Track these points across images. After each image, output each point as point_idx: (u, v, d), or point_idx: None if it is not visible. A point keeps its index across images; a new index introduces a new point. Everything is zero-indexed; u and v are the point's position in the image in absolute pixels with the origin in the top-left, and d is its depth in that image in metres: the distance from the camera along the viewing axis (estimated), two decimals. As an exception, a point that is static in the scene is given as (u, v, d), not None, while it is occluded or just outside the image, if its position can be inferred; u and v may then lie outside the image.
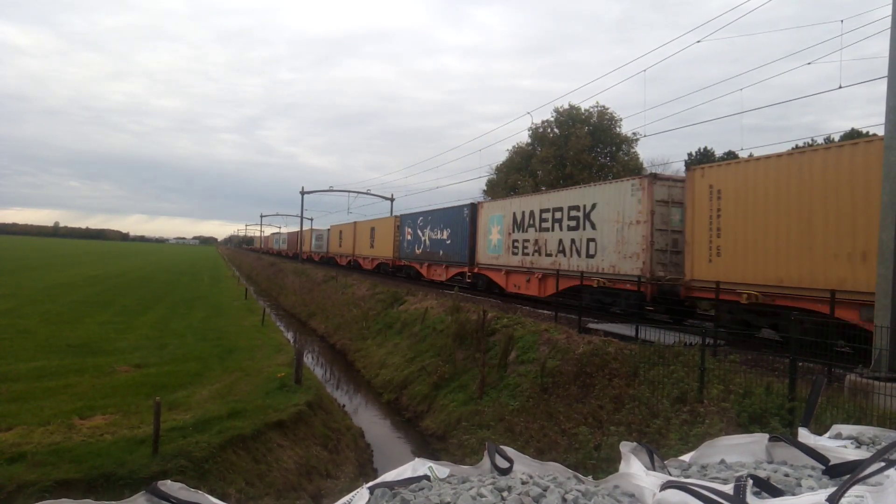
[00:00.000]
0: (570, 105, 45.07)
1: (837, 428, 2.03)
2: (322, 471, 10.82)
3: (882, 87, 8.95)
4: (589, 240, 17.79)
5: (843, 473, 1.49)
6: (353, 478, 10.74)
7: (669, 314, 16.39)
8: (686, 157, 51.00)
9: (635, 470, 1.52)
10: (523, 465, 1.61)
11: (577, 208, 18.48)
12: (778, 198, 12.09)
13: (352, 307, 27.93)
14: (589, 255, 17.71)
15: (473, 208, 26.26)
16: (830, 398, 7.84)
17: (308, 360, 18.30)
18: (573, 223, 18.65)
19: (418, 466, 1.55)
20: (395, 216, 37.93)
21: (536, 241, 20.72)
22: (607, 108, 45.06)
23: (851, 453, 1.65)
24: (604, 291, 17.21)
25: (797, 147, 25.64)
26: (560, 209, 19.43)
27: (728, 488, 1.29)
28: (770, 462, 1.74)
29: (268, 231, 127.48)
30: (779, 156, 12.81)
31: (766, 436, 1.82)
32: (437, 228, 29.81)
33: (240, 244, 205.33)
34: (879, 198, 8.88)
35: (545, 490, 1.40)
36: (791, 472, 1.57)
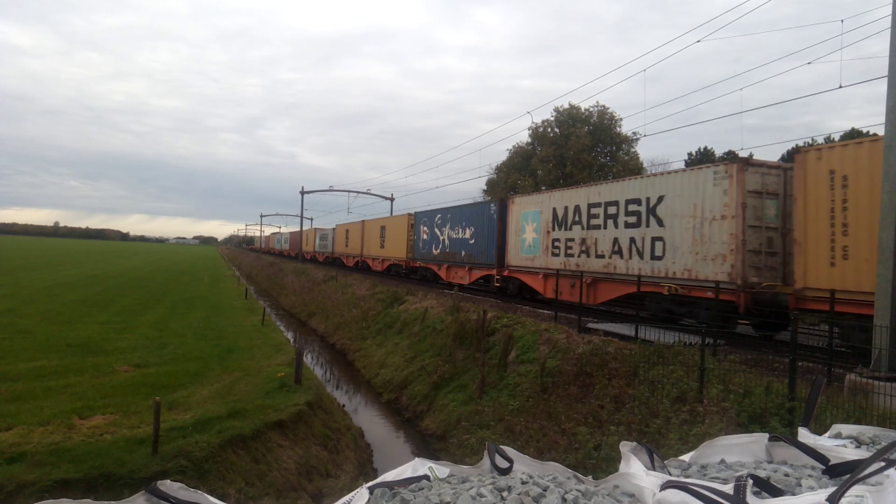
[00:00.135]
0: (570, 105, 45.12)
1: (837, 428, 2.02)
2: (322, 471, 10.82)
3: (882, 87, 8.94)
4: (654, 238, 15.18)
5: (843, 473, 1.49)
6: (352, 478, 10.74)
7: (766, 329, 14.12)
8: (686, 157, 51.04)
9: (635, 470, 1.52)
10: (523, 464, 1.61)
11: (636, 202, 15.91)
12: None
13: (352, 307, 27.93)
14: (654, 257, 15.11)
15: (502, 204, 23.73)
16: (830, 398, 7.84)
17: (308, 359, 18.31)
18: (632, 219, 16.02)
19: (418, 466, 1.55)
20: (409, 214, 35.16)
21: (584, 241, 18.05)
22: (607, 108, 45.12)
23: (851, 453, 1.65)
24: (675, 300, 14.44)
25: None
26: (614, 203, 16.77)
27: (728, 488, 1.29)
28: (770, 462, 1.74)
29: (268, 231, 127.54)
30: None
31: (766, 435, 1.82)
32: (459, 227, 27.34)
33: (240, 244, 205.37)
34: None
35: (545, 490, 1.40)
36: (791, 471, 1.57)
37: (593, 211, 17.78)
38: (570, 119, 44.83)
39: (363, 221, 46.80)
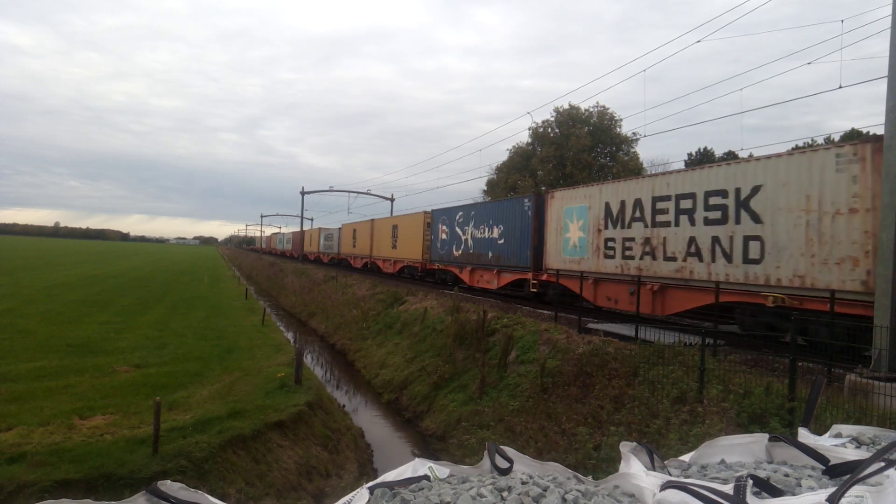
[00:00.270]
0: (570, 105, 45.20)
1: (837, 428, 2.02)
2: (322, 471, 10.82)
3: (882, 87, 8.94)
4: (748, 237, 12.63)
5: (843, 473, 1.49)
6: (353, 478, 10.75)
7: None
8: (686, 157, 51.08)
9: (635, 470, 1.52)
10: (523, 465, 1.61)
11: (720, 193, 13.33)
12: None
13: (352, 307, 27.93)
14: (749, 260, 12.56)
15: (539, 199, 21.44)
16: (830, 398, 7.84)
17: (308, 360, 18.32)
18: (716, 214, 13.43)
19: (418, 466, 1.55)
20: (425, 212, 32.77)
21: (648, 240, 15.51)
22: (607, 108, 45.20)
23: (851, 453, 1.65)
24: (780, 313, 11.91)
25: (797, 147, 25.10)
26: (689, 196, 14.25)
27: (728, 488, 1.29)
28: (770, 462, 1.74)
29: (268, 231, 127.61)
30: None
31: (766, 436, 1.83)
32: (485, 225, 25.07)
33: (240, 244, 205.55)
34: None
35: (545, 490, 1.40)
36: (791, 472, 1.57)
37: (660, 205, 15.22)
38: (570, 119, 44.88)
39: (372, 220, 44.63)
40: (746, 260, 12.70)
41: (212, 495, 1.36)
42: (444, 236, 29.53)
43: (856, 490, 1.23)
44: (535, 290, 20.99)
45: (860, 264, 10.49)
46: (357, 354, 22.54)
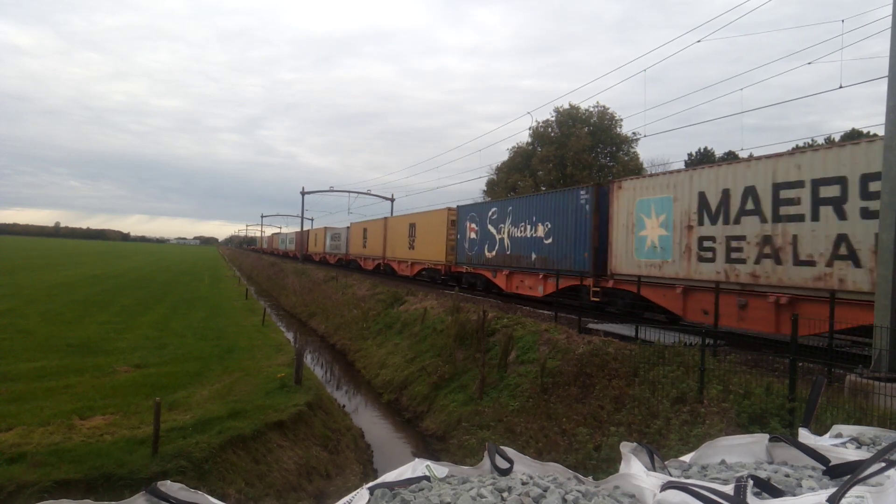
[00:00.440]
0: (570, 105, 45.24)
1: (838, 428, 2.02)
2: (322, 471, 10.82)
3: (882, 87, 8.94)
4: None
5: (843, 474, 1.49)
6: (353, 478, 10.74)
7: None
8: (686, 157, 51.08)
9: (636, 470, 1.52)
10: (523, 465, 1.61)
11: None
12: None
13: (352, 307, 27.94)
14: None
15: (600, 191, 17.96)
16: (831, 398, 7.84)
17: (308, 360, 18.32)
18: (878, 205, 9.54)
19: (418, 467, 1.55)
20: (450, 208, 29.65)
21: (767, 239, 12.38)
22: (607, 108, 45.25)
23: (852, 454, 1.65)
24: None
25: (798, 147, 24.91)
26: (836, 181, 11.05)
27: (728, 489, 1.29)
28: (770, 462, 1.74)
29: (268, 231, 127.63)
30: None
31: (767, 436, 1.83)
32: (526, 223, 21.69)
33: (241, 244, 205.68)
34: None
35: (545, 491, 1.40)
36: (791, 472, 1.57)
37: (785, 194, 12.07)
38: (570, 119, 44.92)
39: (385, 219, 41.51)
40: None
41: (212, 496, 1.36)
42: (472, 235, 26.29)
43: (856, 490, 1.23)
44: (597, 299, 17.54)
45: None
46: (357, 354, 22.54)
